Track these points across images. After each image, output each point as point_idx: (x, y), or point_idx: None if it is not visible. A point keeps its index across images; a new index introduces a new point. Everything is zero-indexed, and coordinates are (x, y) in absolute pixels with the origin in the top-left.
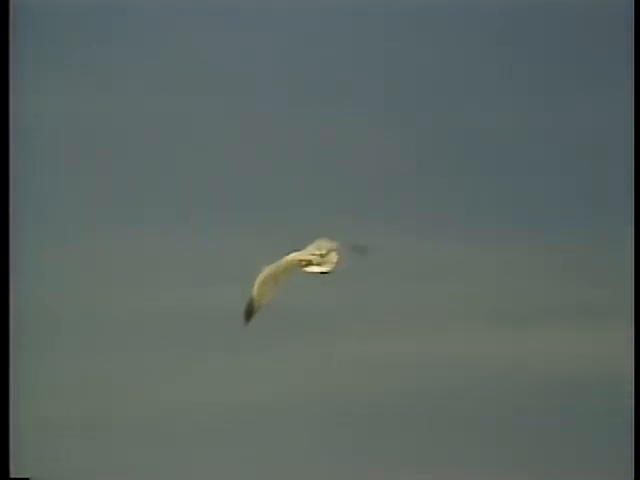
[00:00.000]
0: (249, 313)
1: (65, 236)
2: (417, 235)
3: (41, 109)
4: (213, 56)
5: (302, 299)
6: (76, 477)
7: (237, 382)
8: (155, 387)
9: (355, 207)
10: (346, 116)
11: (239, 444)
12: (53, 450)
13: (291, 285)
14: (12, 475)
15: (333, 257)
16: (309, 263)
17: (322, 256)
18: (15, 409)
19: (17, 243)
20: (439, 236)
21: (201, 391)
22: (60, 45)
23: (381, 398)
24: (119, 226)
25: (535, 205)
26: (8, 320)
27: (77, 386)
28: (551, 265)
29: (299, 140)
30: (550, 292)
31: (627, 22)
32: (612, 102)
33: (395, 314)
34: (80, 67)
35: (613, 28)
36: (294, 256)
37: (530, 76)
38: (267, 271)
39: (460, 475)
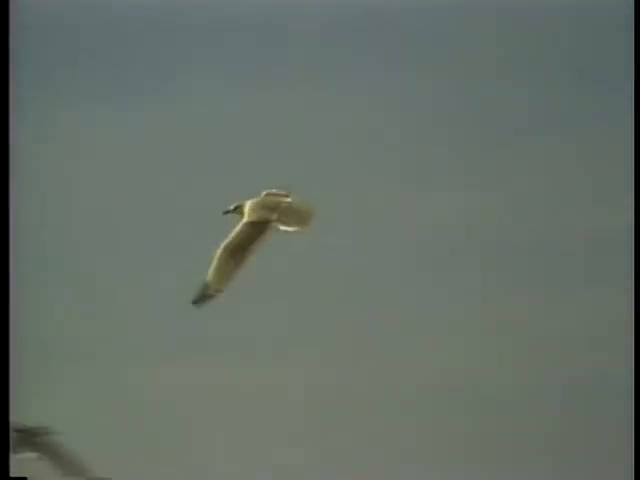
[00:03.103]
0: (201, 299)
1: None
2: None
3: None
4: None
5: None
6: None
7: None
8: (162, 385)
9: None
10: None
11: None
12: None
13: None
14: (12, 475)
15: (306, 207)
16: (279, 216)
17: (290, 204)
18: (15, 407)
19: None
20: None
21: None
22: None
23: None
24: None
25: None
26: (8, 317)
27: (78, 384)
28: None
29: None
30: None
31: (627, 22)
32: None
33: None
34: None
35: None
36: (252, 207)
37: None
38: (226, 246)
39: None
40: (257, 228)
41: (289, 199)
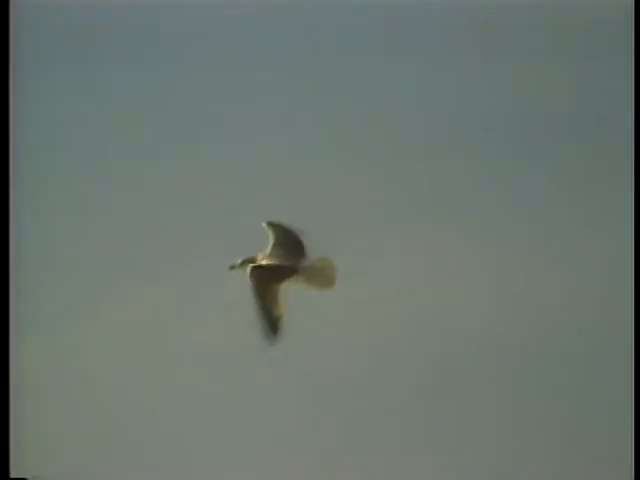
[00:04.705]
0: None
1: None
2: None
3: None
4: None
5: None
6: (76, 477)
7: None
8: (165, 385)
9: None
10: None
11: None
12: (53, 450)
13: None
14: (12, 475)
15: (325, 264)
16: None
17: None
18: (15, 409)
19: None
20: None
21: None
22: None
23: None
24: None
25: None
26: (8, 317)
27: (79, 385)
28: None
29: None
30: None
31: (627, 23)
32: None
33: None
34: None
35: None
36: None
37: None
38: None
39: None
40: (274, 274)
41: (307, 261)
